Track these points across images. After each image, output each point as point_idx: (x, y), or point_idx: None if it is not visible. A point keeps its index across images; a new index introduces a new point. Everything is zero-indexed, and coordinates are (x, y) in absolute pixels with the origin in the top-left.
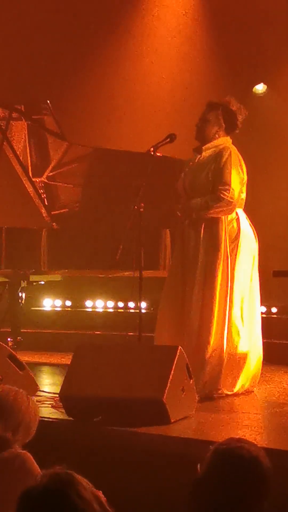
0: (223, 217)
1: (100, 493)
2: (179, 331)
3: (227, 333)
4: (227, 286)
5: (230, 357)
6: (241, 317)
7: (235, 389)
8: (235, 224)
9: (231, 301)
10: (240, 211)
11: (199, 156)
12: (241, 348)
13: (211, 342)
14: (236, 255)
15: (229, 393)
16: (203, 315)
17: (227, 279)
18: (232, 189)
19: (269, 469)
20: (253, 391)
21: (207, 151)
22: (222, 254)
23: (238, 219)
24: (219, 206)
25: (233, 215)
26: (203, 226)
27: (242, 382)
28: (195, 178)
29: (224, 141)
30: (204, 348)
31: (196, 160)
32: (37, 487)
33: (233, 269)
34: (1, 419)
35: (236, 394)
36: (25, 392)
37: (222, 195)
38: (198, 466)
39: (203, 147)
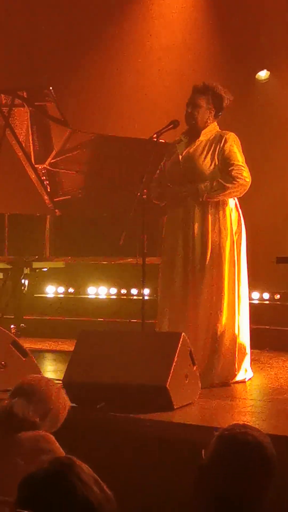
0: (228, 201)
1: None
2: (180, 317)
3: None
4: (235, 270)
5: (239, 343)
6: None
7: (247, 376)
8: (235, 211)
9: (239, 285)
10: (236, 198)
11: (194, 141)
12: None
13: (224, 328)
14: (240, 239)
15: (241, 379)
16: (213, 300)
17: (234, 263)
18: (246, 170)
19: (274, 455)
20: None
21: (203, 137)
22: (229, 238)
23: (236, 205)
24: (235, 185)
25: (235, 200)
26: (209, 209)
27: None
28: (196, 163)
29: (215, 126)
30: (217, 333)
31: (194, 145)
32: (38, 472)
33: (239, 253)
34: (31, 403)
35: (243, 381)
36: (57, 384)
37: (236, 175)
38: (203, 452)
39: (199, 133)
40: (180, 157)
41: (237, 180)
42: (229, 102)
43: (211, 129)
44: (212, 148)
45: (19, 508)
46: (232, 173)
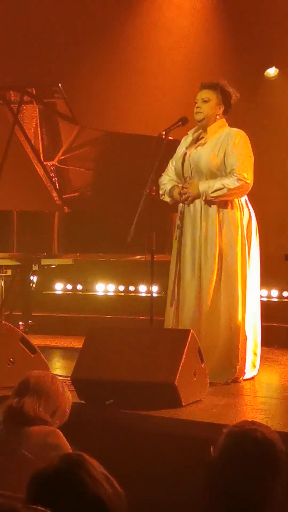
0: (236, 199)
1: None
2: (190, 315)
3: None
4: (247, 268)
5: (251, 341)
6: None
7: (255, 372)
8: (245, 208)
9: (247, 283)
10: (246, 195)
11: (202, 138)
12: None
13: (236, 325)
14: (250, 236)
15: (251, 377)
16: (225, 298)
17: (246, 260)
18: (249, 171)
19: (283, 451)
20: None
21: (212, 133)
22: (240, 235)
23: (246, 202)
24: (237, 188)
25: (245, 197)
26: (218, 207)
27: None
28: (204, 159)
29: (224, 123)
30: (229, 331)
31: (202, 142)
32: (48, 468)
33: (249, 250)
34: (41, 400)
35: (252, 378)
36: (60, 379)
37: (240, 178)
38: (212, 448)
39: (207, 129)
40: (188, 153)
41: (238, 181)
42: (236, 99)
43: (220, 125)
44: (221, 145)
45: (30, 504)
46: (234, 174)
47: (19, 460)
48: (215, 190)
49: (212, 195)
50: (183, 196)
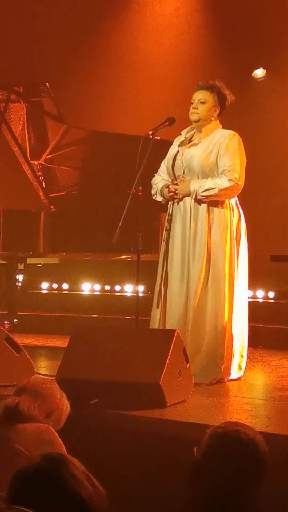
0: (226, 200)
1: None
2: (176, 315)
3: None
4: (235, 269)
5: (237, 341)
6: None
7: (241, 373)
8: (235, 209)
9: (235, 284)
10: (236, 196)
11: (196, 138)
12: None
13: (223, 326)
14: (239, 237)
15: (236, 377)
16: (212, 298)
17: (234, 261)
18: (241, 172)
19: (266, 452)
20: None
21: (206, 134)
22: (229, 235)
23: (236, 203)
24: (228, 188)
25: (235, 198)
26: (208, 207)
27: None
28: (197, 160)
29: (218, 124)
30: (215, 332)
31: (196, 142)
32: (29, 467)
33: (238, 251)
34: (36, 401)
35: (238, 379)
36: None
37: (231, 178)
38: (195, 449)
39: (202, 129)
40: (181, 152)
41: (229, 181)
42: (231, 102)
43: (214, 127)
44: (214, 146)
45: (11, 503)
46: (225, 174)
47: (13, 456)
48: (206, 190)
49: (203, 194)
50: (170, 193)
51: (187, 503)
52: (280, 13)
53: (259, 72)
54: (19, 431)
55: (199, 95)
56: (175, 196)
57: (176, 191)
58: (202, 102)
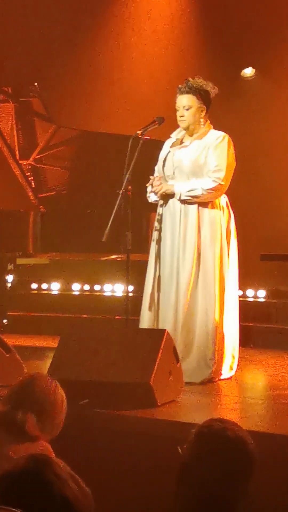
0: (216, 200)
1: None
2: (166, 315)
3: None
4: (224, 268)
5: (228, 341)
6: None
7: (232, 373)
8: (226, 209)
9: (226, 283)
10: (226, 196)
11: (187, 139)
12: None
13: (213, 325)
14: (229, 237)
15: (227, 377)
16: (203, 298)
17: (223, 261)
18: (226, 174)
19: (254, 447)
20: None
21: (198, 138)
22: (219, 235)
23: (227, 203)
24: (211, 189)
25: (225, 198)
26: (198, 207)
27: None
28: (186, 161)
29: (208, 124)
30: (206, 331)
31: (187, 144)
32: (14, 470)
33: (228, 251)
34: (41, 420)
35: (229, 378)
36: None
37: (214, 179)
38: (179, 448)
39: (194, 134)
40: (172, 153)
41: (212, 182)
42: (215, 94)
43: (205, 131)
44: (204, 147)
45: None
46: (209, 175)
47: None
48: (190, 190)
49: (187, 194)
50: (155, 187)
51: (177, 503)
52: (269, 13)
53: (248, 72)
54: (17, 447)
55: (183, 101)
56: (157, 190)
57: (158, 187)
58: (186, 109)
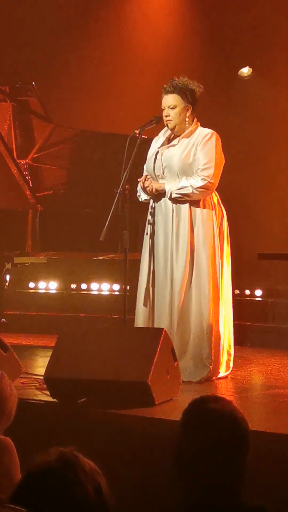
0: (211, 197)
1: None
2: (162, 314)
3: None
4: (218, 267)
5: (224, 340)
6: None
7: (229, 372)
8: (218, 207)
9: (221, 282)
10: (217, 194)
11: (175, 138)
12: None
13: (209, 324)
14: (222, 235)
15: (224, 375)
16: (197, 297)
17: (216, 259)
18: (215, 171)
19: (245, 420)
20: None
21: (185, 136)
22: (211, 234)
23: (218, 201)
24: (201, 187)
25: (217, 196)
26: (190, 206)
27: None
28: (175, 159)
29: (196, 122)
30: (201, 330)
31: (174, 142)
32: (41, 465)
33: (222, 249)
34: None
35: (226, 377)
36: (5, 374)
37: (203, 177)
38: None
39: (181, 134)
40: (160, 152)
41: (202, 180)
42: (200, 92)
43: (193, 130)
44: (192, 145)
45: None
46: (198, 174)
47: None
48: (180, 188)
49: (177, 192)
50: (147, 187)
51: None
52: (265, 12)
53: (245, 71)
54: None
55: (168, 101)
56: (147, 188)
57: (149, 185)
58: (172, 108)
